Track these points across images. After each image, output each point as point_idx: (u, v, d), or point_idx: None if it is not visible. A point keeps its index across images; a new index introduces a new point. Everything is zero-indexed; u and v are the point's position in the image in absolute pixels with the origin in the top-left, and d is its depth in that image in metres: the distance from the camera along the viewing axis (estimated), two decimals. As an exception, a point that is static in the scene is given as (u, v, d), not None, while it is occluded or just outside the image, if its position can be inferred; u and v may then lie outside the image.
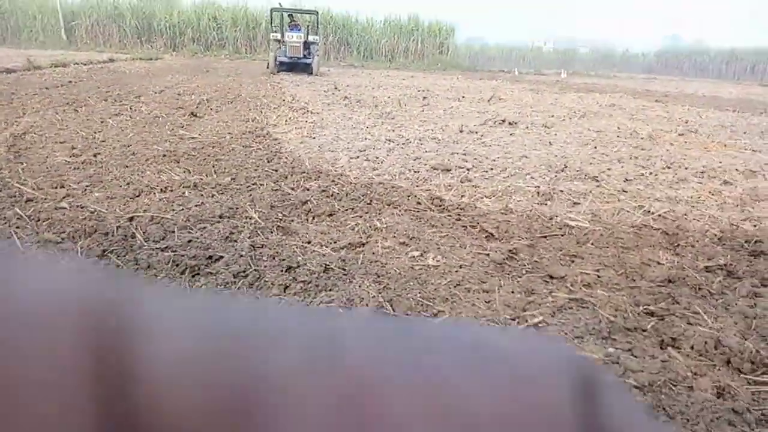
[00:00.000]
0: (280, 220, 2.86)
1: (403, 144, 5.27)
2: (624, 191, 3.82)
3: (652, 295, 2.14)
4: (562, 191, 3.72)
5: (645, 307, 2.03)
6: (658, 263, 2.50)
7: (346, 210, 3.09)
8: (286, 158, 4.34)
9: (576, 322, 1.88)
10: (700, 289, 2.23)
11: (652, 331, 1.86)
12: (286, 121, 6.38)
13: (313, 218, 2.96)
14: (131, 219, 2.66)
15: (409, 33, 31.64)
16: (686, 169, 4.66)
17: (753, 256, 2.65)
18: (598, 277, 2.30)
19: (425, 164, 4.40)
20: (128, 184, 3.31)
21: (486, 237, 2.77)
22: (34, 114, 5.77)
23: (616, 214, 3.26)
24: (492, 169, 4.35)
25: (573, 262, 2.46)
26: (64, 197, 2.98)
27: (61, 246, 2.34)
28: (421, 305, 1.94)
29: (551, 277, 2.28)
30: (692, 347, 1.76)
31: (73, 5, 30.07)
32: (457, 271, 2.27)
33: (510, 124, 6.80)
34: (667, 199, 3.69)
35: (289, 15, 16.29)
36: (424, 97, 10.08)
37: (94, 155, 4.00)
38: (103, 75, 11.60)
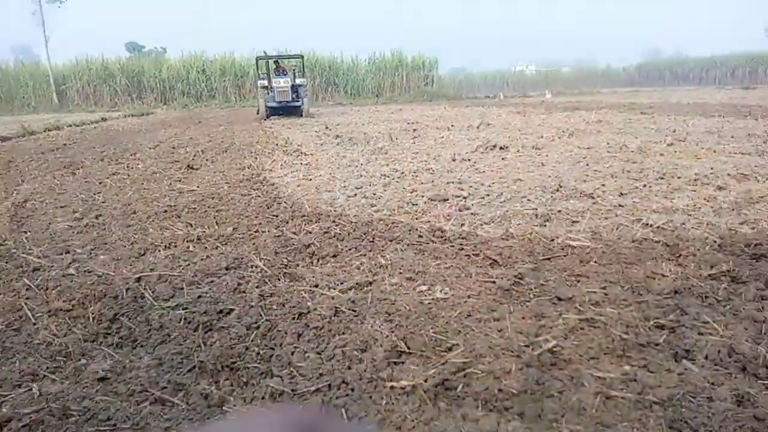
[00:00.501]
0: (286, 266, 2.88)
1: (399, 178, 5.34)
2: (620, 206, 3.86)
3: (660, 308, 2.15)
4: (559, 211, 3.76)
5: (655, 320, 2.04)
6: (663, 275, 2.52)
7: (350, 249, 3.12)
8: (285, 202, 4.39)
9: (589, 342, 1.89)
10: (706, 297, 2.25)
11: (665, 344, 1.87)
12: (281, 165, 6.47)
13: (318, 261, 2.98)
14: (139, 279, 2.68)
15: (394, 69, 32.24)
16: (679, 178, 4.72)
17: (755, 260, 2.68)
18: (605, 294, 2.32)
19: (422, 196, 4.45)
20: (132, 243, 3.35)
21: (490, 264, 2.80)
22: (32, 180, 5.85)
23: (616, 230, 3.30)
24: (488, 195, 4.41)
25: (579, 281, 2.48)
26: (70, 263, 3.01)
27: (72, 314, 2.35)
28: (435, 341, 1.95)
29: (559, 299, 2.29)
30: (706, 357, 1.77)
31: (64, 68, 30.66)
32: (466, 302, 2.29)
33: (501, 148, 6.90)
34: (663, 210, 3.73)
35: (274, 61, 16.66)
36: (414, 129, 10.23)
37: (96, 217, 4.05)
38: (96, 134, 11.77)
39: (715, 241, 2.98)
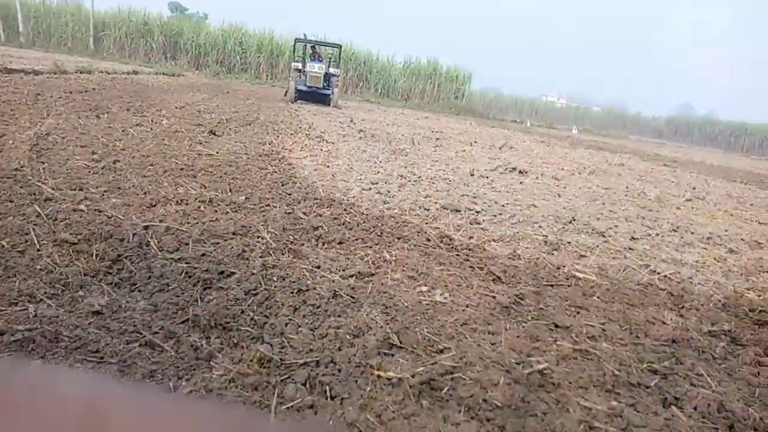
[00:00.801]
0: (292, 243, 2.89)
1: (415, 181, 5.34)
2: (630, 249, 3.85)
3: (656, 353, 2.14)
4: (569, 243, 3.75)
5: (649, 364, 2.03)
6: (663, 322, 2.51)
7: (357, 239, 3.12)
8: (300, 183, 4.40)
9: (581, 372, 1.88)
10: (703, 352, 2.23)
11: (656, 388, 1.86)
12: (301, 147, 6.48)
13: (324, 244, 2.99)
14: (146, 227, 2.69)
15: (428, 76, 32.26)
16: (692, 233, 4.69)
17: (757, 325, 2.66)
18: (603, 330, 2.31)
19: (435, 203, 4.45)
20: (145, 193, 3.36)
21: (493, 279, 2.79)
22: (57, 116, 5.88)
23: (622, 271, 3.28)
24: (501, 214, 4.40)
25: (578, 313, 2.47)
26: (82, 200, 3.03)
27: (76, 247, 2.37)
28: (428, 341, 1.95)
29: (556, 326, 2.28)
30: (695, 408, 1.75)
31: (105, 15, 30.90)
32: (463, 310, 2.28)
33: (520, 172, 6.89)
34: (672, 261, 3.71)
35: (312, 46, 16.52)
36: (437, 138, 10.23)
37: (114, 162, 4.07)
38: (126, 85, 11.84)
39: (719, 300, 2.96)
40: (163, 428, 0.18)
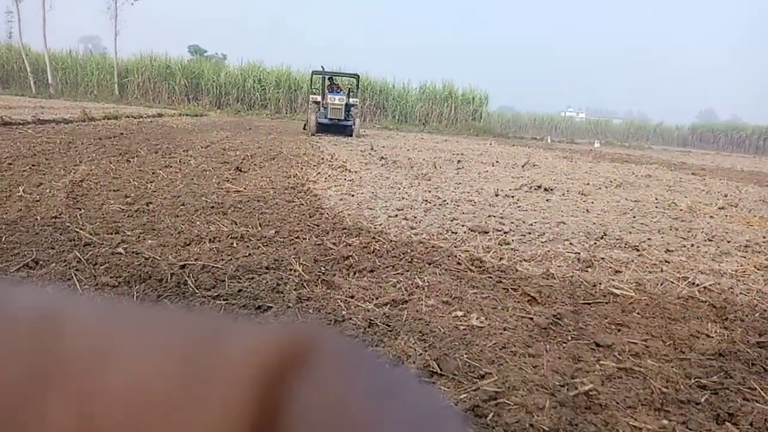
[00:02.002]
0: (324, 273, 2.92)
1: (440, 205, 5.35)
2: (666, 262, 3.77)
3: (703, 368, 2.09)
4: (603, 258, 3.70)
5: (697, 379, 1.98)
6: (707, 336, 2.45)
7: (387, 267, 3.14)
8: (327, 214, 4.46)
9: (627, 391, 1.84)
10: (753, 364, 2.17)
11: (707, 404, 1.81)
12: (325, 178, 6.57)
13: (355, 273, 3.01)
14: (183, 267, 2.76)
15: (443, 100, 32.54)
16: (729, 242, 4.58)
17: (807, 335, 2.57)
18: (646, 347, 2.26)
19: (462, 226, 4.45)
20: (179, 233, 3.45)
21: (528, 300, 2.77)
22: (89, 162, 6.10)
23: (660, 285, 3.22)
24: (530, 233, 4.37)
25: (619, 330, 2.43)
26: (119, 243, 3.12)
27: (117, 290, 2.44)
28: (468, 366, 1.94)
29: (598, 345, 2.25)
30: (751, 424, 1.70)
31: (128, 62, 32.14)
32: (501, 333, 2.27)
33: (546, 190, 6.85)
34: (711, 272, 3.62)
35: (329, 78, 16.64)
36: (459, 161, 10.26)
37: (147, 204, 4.19)
38: (152, 128, 12.22)
39: (765, 310, 2.88)
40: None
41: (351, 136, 15.51)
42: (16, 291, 0.18)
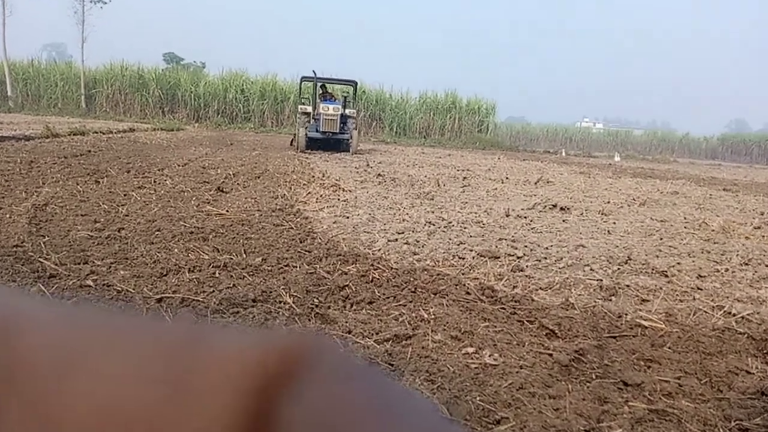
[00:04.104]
0: (317, 306, 2.92)
1: (445, 227, 5.37)
2: (699, 289, 3.78)
3: (744, 409, 2.08)
4: (628, 286, 3.71)
5: (738, 422, 1.97)
6: (747, 372, 2.44)
7: (388, 298, 3.14)
8: (320, 239, 4.47)
9: (660, 436, 1.84)
10: (800, 405, 2.16)
11: (750, 451, 1.80)
12: (317, 199, 6.60)
13: (352, 306, 3.01)
14: (160, 300, 2.76)
15: (446, 110, 32.81)
16: (767, 266, 4.60)
17: None
18: (680, 385, 2.26)
19: (471, 250, 4.46)
20: (155, 262, 3.45)
21: (546, 334, 2.77)
22: (54, 184, 6.12)
23: (693, 315, 3.22)
24: (546, 258, 4.38)
25: (649, 367, 2.43)
26: (88, 274, 3.12)
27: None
28: (482, 410, 1.93)
29: (626, 384, 2.24)
30: (800, 473, 1.69)
31: (96, 72, 32.38)
32: (518, 372, 2.26)
33: (562, 209, 6.88)
34: (749, 300, 3.63)
35: (321, 85, 15.82)
36: (464, 177, 10.32)
37: (118, 230, 4.20)
38: (123, 145, 12.28)
39: (810, 342, 2.88)
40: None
41: (348, 151, 14.85)
42: None
